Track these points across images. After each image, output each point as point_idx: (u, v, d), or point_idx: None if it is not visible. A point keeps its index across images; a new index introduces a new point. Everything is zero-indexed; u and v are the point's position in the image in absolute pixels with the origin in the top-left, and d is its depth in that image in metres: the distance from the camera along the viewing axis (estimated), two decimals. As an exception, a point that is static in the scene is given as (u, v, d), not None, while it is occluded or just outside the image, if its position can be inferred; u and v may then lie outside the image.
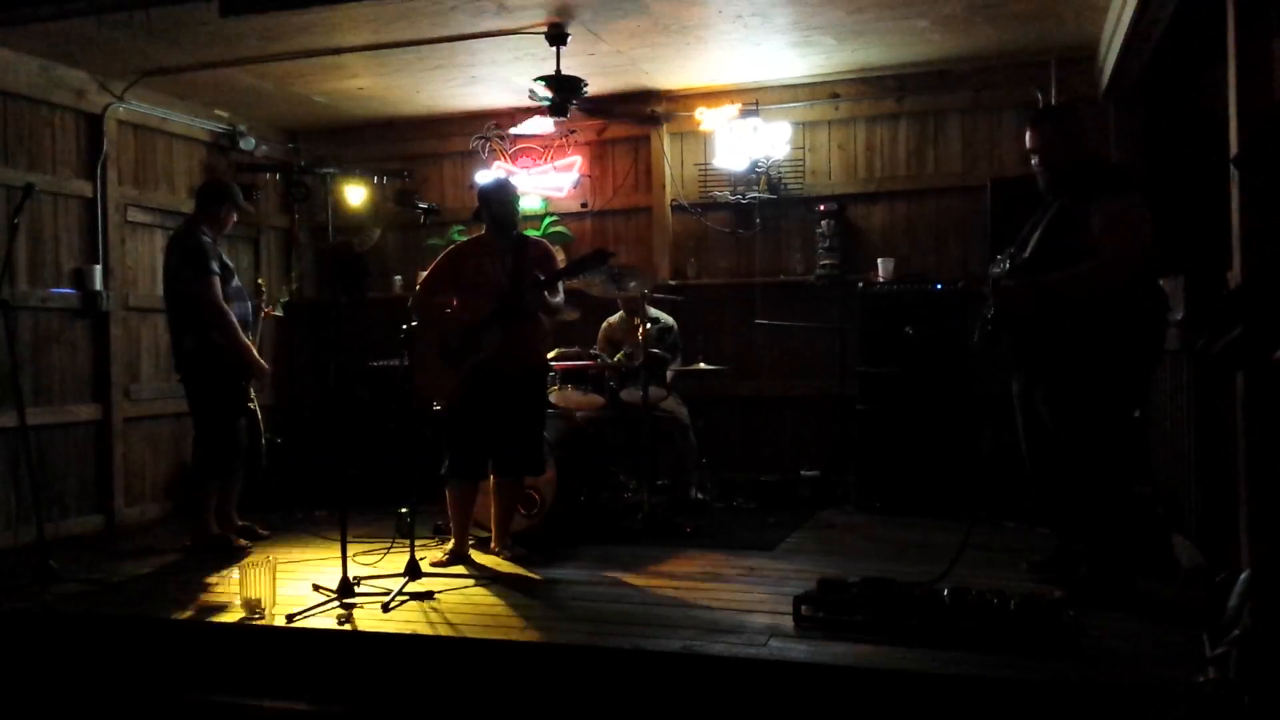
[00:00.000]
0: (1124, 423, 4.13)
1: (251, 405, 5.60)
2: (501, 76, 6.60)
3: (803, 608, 3.80)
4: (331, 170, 7.32)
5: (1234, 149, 3.17)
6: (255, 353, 5.46)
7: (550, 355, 5.84)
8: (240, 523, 5.68)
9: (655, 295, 6.52)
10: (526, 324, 5.00)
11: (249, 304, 5.63)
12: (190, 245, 5.33)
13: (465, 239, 5.58)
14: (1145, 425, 4.70)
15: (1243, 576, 2.97)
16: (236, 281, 5.54)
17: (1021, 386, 4.33)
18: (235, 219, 5.66)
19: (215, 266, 5.31)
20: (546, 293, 4.98)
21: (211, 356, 5.30)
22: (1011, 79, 6.52)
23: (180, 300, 5.35)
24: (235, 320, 5.33)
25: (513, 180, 7.46)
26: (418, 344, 5.01)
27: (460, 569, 4.85)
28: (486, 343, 4.91)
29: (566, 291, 6.68)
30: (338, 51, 5.99)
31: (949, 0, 5.40)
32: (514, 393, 4.97)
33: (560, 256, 7.48)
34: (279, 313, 6.64)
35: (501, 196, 5.17)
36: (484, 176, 7.50)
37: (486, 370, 4.91)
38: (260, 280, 6.54)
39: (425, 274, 5.22)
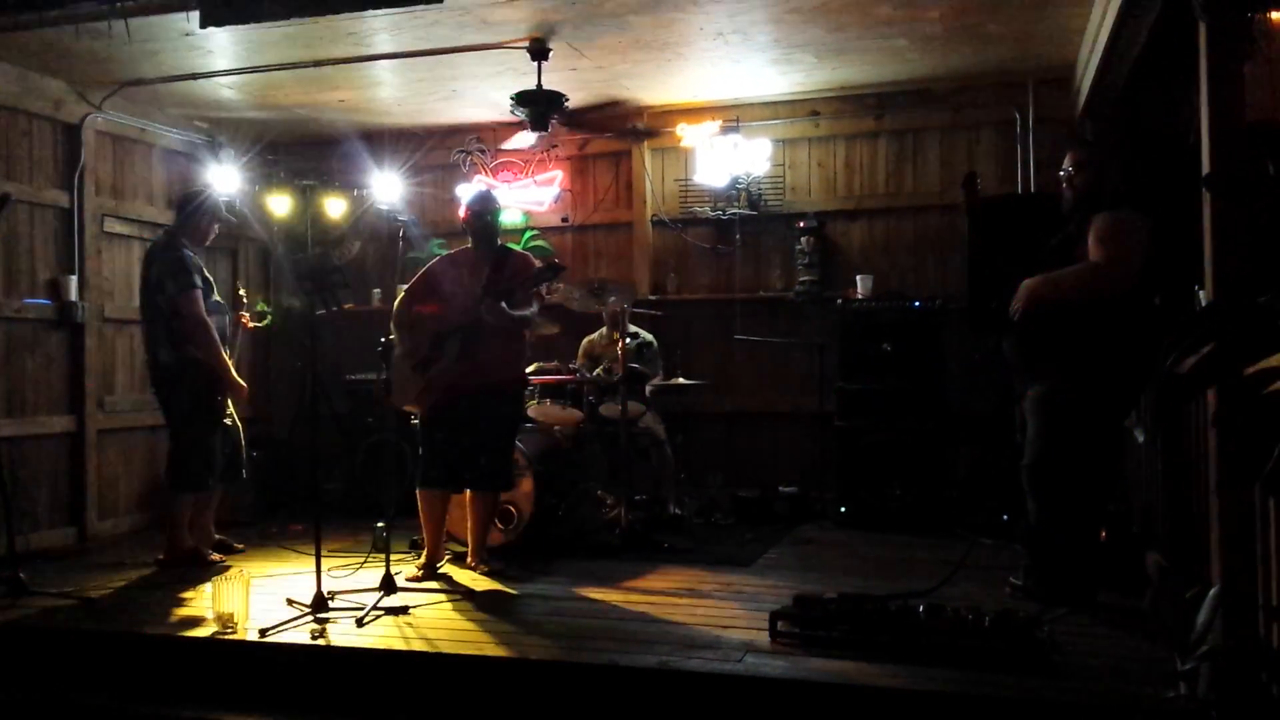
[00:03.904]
0: (1104, 436, 4.24)
1: (230, 419, 5.55)
2: (483, 90, 6.61)
3: (779, 623, 3.80)
4: (311, 182, 7.29)
5: (1206, 169, 3.21)
6: (234, 371, 5.41)
7: (529, 370, 5.83)
8: (216, 536, 5.63)
9: (635, 310, 6.53)
10: (494, 336, 4.95)
11: (227, 318, 5.59)
12: (172, 258, 5.28)
13: (449, 251, 5.57)
14: (1121, 443, 4.74)
15: (1212, 592, 2.99)
16: (216, 295, 5.51)
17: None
18: (216, 230, 5.63)
19: (198, 280, 5.27)
20: (505, 304, 4.91)
21: (187, 370, 5.25)
22: (989, 99, 6.59)
23: (160, 314, 5.29)
24: (217, 336, 5.29)
25: (494, 194, 7.50)
26: (395, 351, 5.02)
27: (436, 584, 4.83)
28: (447, 352, 4.91)
29: (547, 307, 6.70)
30: (318, 64, 5.98)
31: (928, 20, 5.45)
32: (481, 405, 4.94)
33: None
34: (262, 324, 6.51)
35: (478, 209, 5.18)
36: (465, 190, 7.50)
37: (450, 380, 4.90)
38: (241, 290, 6.48)
39: (407, 286, 5.21)
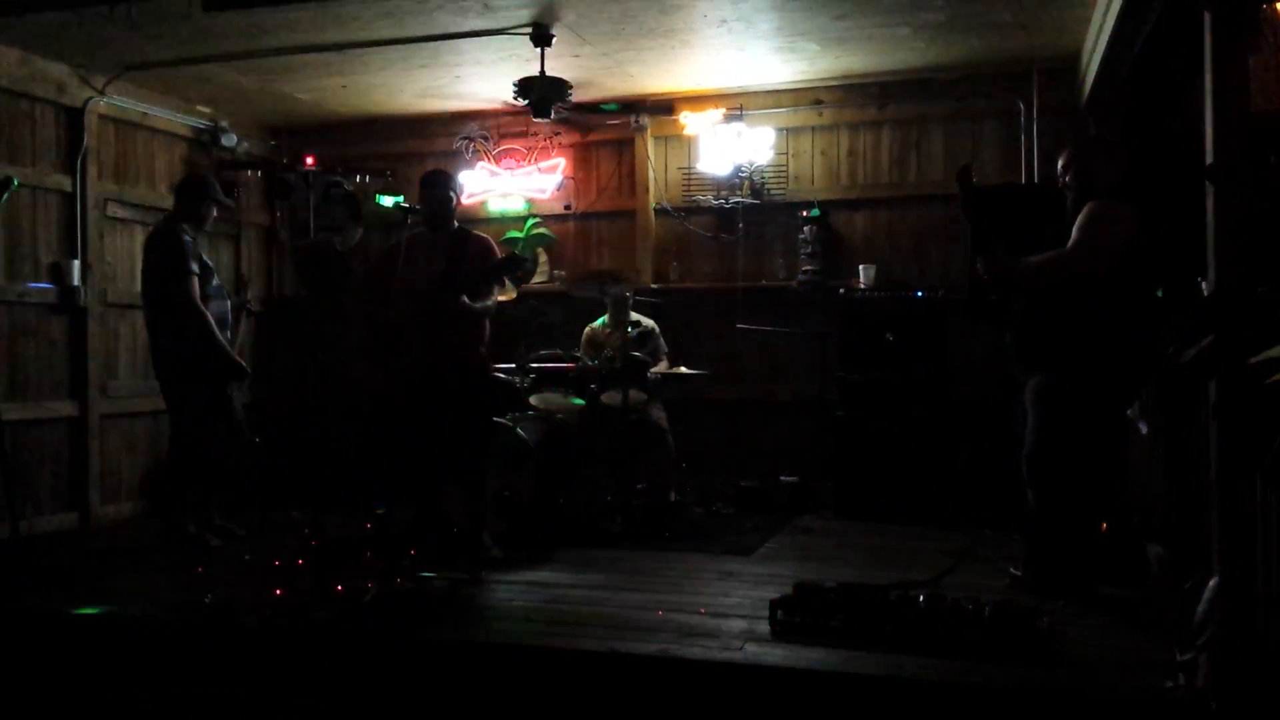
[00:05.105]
0: (1103, 427, 4.24)
1: (233, 405, 5.56)
2: (486, 77, 6.60)
3: (779, 612, 3.80)
4: (313, 168, 7.29)
5: (1209, 160, 3.20)
6: (233, 354, 5.41)
7: (532, 358, 5.84)
8: (217, 522, 5.64)
9: (637, 298, 6.53)
10: (456, 326, 4.87)
11: (228, 303, 5.59)
12: (170, 244, 5.29)
13: (402, 236, 5.29)
14: (1121, 434, 4.75)
15: (1211, 583, 3.00)
16: (217, 280, 5.51)
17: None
18: (215, 214, 5.64)
19: (194, 266, 5.26)
20: (466, 296, 4.83)
21: (189, 356, 5.26)
22: (993, 88, 6.57)
23: (158, 299, 5.32)
24: (213, 321, 5.28)
25: (496, 181, 7.50)
26: (352, 339, 4.97)
27: (436, 571, 4.82)
28: (410, 345, 4.80)
29: (550, 295, 6.70)
30: (321, 49, 5.97)
31: (931, 9, 5.43)
32: (448, 395, 4.85)
33: (542, 258, 7.49)
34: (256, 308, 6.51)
35: (430, 190, 5.05)
36: (467, 177, 7.49)
37: (415, 373, 4.81)
38: (246, 279, 6.50)
39: (365, 273, 5.09)
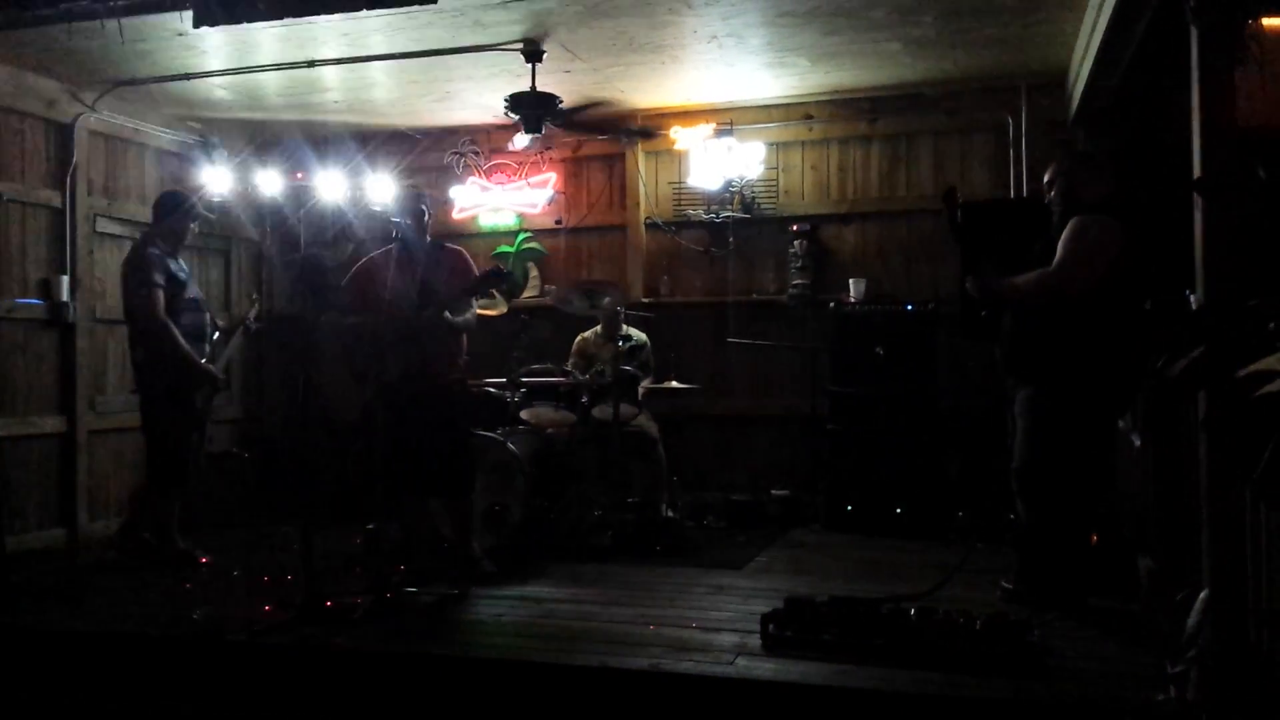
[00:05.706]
0: (1092, 439, 4.26)
1: (204, 419, 5.54)
2: (477, 92, 6.60)
3: (770, 626, 3.80)
4: (304, 184, 7.28)
5: (1197, 173, 3.22)
6: (202, 363, 5.35)
7: (523, 372, 5.83)
8: (145, 536, 5.48)
9: (628, 312, 6.54)
10: (435, 340, 4.83)
11: (206, 315, 5.53)
12: (137, 258, 5.32)
13: (375, 253, 5.25)
14: (1111, 446, 4.75)
15: (1202, 596, 3.00)
16: (192, 292, 5.45)
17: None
18: (195, 229, 5.63)
19: (159, 279, 5.22)
20: (449, 312, 4.80)
21: (160, 368, 5.24)
22: (982, 103, 6.60)
23: (129, 312, 5.34)
24: (177, 331, 5.23)
25: (487, 196, 7.51)
26: (326, 358, 4.95)
27: (426, 586, 4.80)
28: (393, 362, 4.75)
29: (541, 309, 6.69)
30: (311, 65, 5.97)
31: (920, 24, 5.46)
32: (426, 411, 4.81)
33: (533, 272, 7.50)
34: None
35: (404, 205, 5.03)
36: (458, 191, 7.50)
37: (397, 389, 4.76)
38: (254, 296, 6.48)
39: (341, 289, 5.04)
